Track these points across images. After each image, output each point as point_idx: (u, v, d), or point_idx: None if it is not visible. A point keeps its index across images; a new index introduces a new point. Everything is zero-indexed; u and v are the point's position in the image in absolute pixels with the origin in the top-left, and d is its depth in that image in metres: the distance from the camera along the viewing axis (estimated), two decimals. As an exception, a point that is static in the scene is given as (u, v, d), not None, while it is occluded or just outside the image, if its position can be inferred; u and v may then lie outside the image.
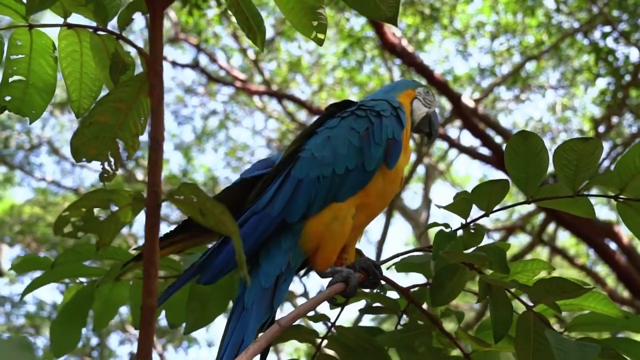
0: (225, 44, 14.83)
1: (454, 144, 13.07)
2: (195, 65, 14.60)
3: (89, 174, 16.63)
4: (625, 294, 13.53)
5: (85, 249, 2.11)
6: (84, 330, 2.22)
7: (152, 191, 1.28)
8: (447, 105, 13.24)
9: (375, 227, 22.01)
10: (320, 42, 1.69)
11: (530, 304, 1.83)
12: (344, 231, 1.94)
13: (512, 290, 1.88)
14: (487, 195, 1.88)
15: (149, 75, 1.26)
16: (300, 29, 1.67)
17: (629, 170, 1.74)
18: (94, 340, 17.08)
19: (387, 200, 2.06)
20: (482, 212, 1.95)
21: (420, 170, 16.46)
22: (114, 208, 1.35)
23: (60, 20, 1.68)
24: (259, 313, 1.84)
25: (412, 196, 21.66)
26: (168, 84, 18.60)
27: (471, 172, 20.11)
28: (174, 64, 14.81)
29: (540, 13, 12.59)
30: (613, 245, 10.73)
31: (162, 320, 2.19)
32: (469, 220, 1.97)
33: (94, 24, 1.66)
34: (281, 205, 1.91)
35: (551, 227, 13.41)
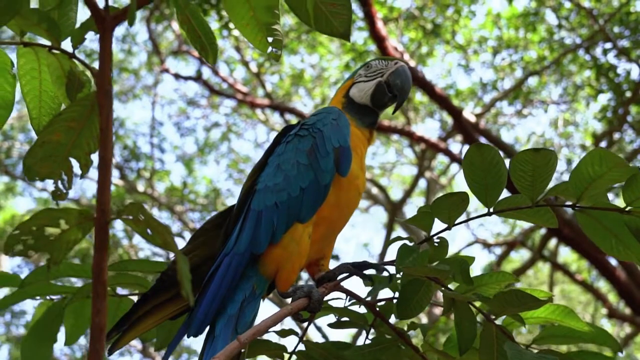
0: (228, 56, 14.87)
1: (455, 158, 13.03)
2: (198, 78, 14.63)
3: (91, 185, 16.65)
4: (627, 310, 13.45)
5: (58, 268, 2.13)
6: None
7: (100, 209, 1.31)
8: (448, 119, 13.25)
9: (376, 240, 22.00)
10: (276, 58, 1.71)
11: (492, 316, 1.84)
12: (300, 251, 1.96)
13: (477, 303, 1.89)
14: (447, 208, 1.88)
15: (98, 95, 1.27)
16: (256, 45, 1.69)
17: (583, 180, 1.76)
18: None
19: (347, 210, 2.06)
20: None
21: (422, 184, 16.46)
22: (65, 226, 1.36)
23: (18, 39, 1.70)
24: (226, 339, 1.87)
25: (413, 210, 21.63)
26: (171, 96, 18.65)
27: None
28: (177, 76, 14.84)
29: (542, 29, 12.60)
30: (614, 261, 10.68)
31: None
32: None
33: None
34: (247, 240, 1.95)
35: (552, 242, 13.36)
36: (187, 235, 15.50)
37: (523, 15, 12.41)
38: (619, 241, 1.83)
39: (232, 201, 17.22)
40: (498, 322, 1.87)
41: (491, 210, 1.88)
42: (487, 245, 15.10)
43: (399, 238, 1.95)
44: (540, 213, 1.87)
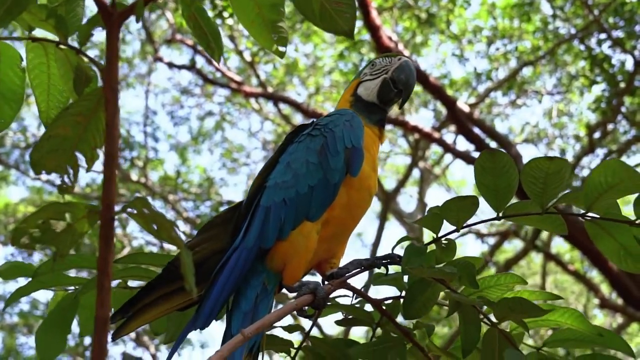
0: (221, 45, 14.78)
1: (449, 148, 13.06)
2: (191, 67, 14.59)
3: (84, 174, 16.59)
4: (619, 301, 13.53)
5: (66, 259, 2.13)
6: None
7: (106, 204, 1.31)
8: (442, 109, 13.25)
9: (369, 230, 22.05)
10: (281, 55, 1.72)
11: (496, 320, 1.84)
12: (308, 246, 1.97)
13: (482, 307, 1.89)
14: (456, 211, 1.89)
15: (105, 90, 1.27)
16: (261, 42, 1.71)
17: (595, 189, 1.76)
18: (87, 340, 17.07)
19: (358, 210, 2.07)
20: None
21: (416, 173, 16.47)
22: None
23: (26, 34, 1.71)
24: None
25: (407, 200, 21.68)
26: (165, 85, 18.60)
27: (466, 176, 20.10)
28: (171, 65, 14.80)
29: (537, 19, 12.61)
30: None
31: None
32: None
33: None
34: (255, 234, 1.97)
35: (545, 232, 13.40)
36: (181, 224, 15.50)
37: (518, 5, 12.41)
38: (628, 253, 1.83)
39: (225, 190, 17.21)
40: (504, 324, 1.88)
41: (500, 214, 1.89)
42: (480, 235, 15.15)
43: (406, 238, 1.95)
44: (550, 219, 1.87)
